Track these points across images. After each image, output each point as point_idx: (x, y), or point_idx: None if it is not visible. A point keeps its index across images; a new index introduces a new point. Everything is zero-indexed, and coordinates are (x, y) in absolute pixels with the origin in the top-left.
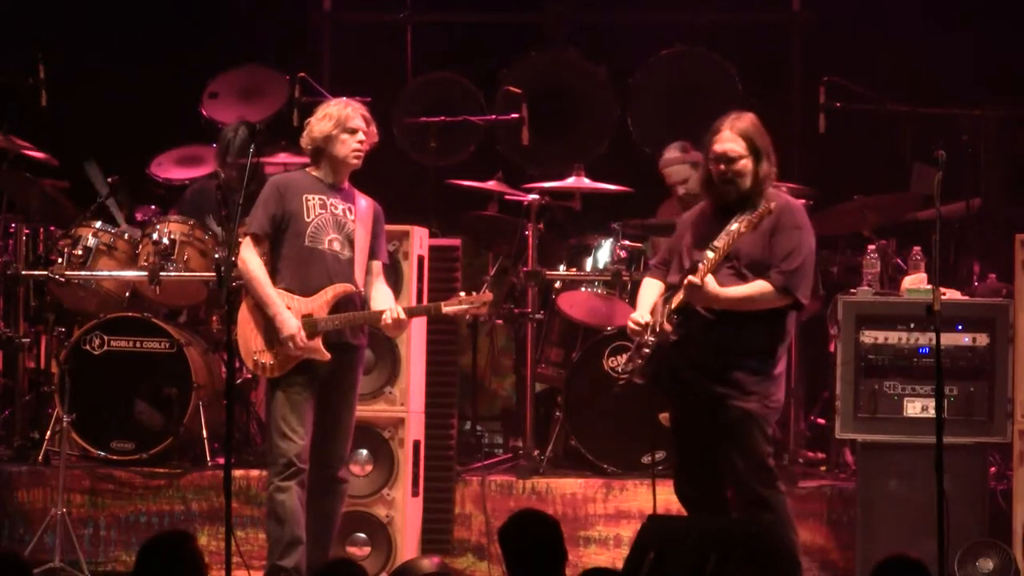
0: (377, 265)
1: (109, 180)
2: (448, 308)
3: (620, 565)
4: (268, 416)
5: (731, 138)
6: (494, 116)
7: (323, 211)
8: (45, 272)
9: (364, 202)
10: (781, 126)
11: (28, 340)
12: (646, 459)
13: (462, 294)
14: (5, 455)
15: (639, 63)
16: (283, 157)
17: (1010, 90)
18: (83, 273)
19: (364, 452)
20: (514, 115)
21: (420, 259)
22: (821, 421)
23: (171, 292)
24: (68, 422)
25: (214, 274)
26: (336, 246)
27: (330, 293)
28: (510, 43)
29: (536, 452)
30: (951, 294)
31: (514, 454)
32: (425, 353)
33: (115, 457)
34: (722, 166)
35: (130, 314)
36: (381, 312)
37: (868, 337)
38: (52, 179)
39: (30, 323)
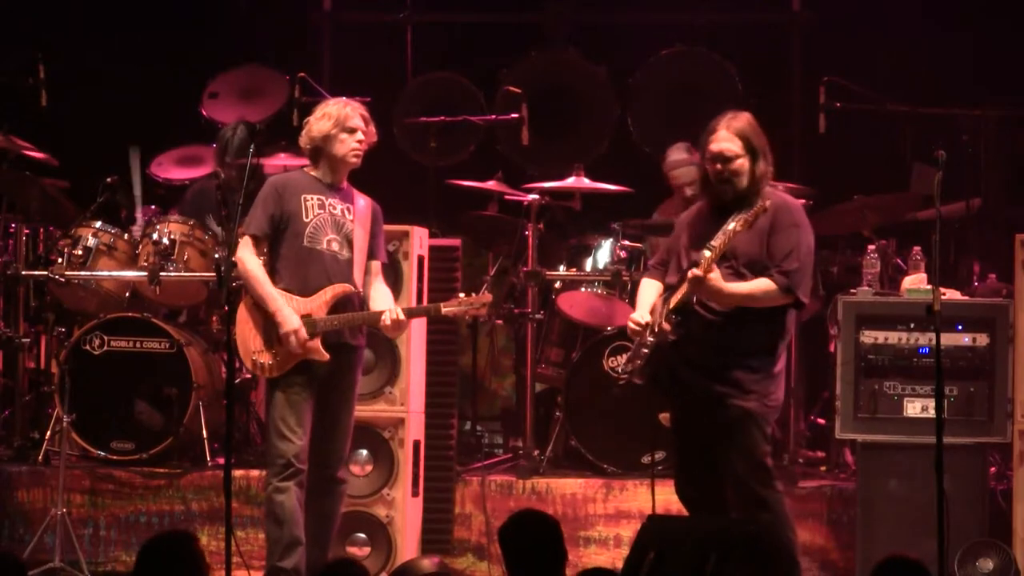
0: (376, 265)
1: (109, 180)
2: (447, 309)
3: (620, 565)
4: (267, 416)
5: (727, 137)
6: (494, 116)
7: (322, 211)
8: (45, 272)
9: (363, 201)
10: (781, 126)
11: (28, 340)
12: (646, 459)
13: (461, 295)
14: (5, 455)
15: (639, 63)
16: (283, 157)
17: (1010, 90)
18: (83, 273)
19: (364, 452)
20: (514, 115)
21: (420, 259)
22: (821, 421)
23: (171, 292)
24: (68, 422)
25: (214, 274)
26: (335, 246)
27: (329, 293)
28: (510, 43)
29: (536, 452)
30: (951, 294)
31: (514, 454)
32: (425, 353)
33: (115, 457)
34: (719, 165)
35: (130, 314)
36: (380, 313)
37: (868, 337)
38: (52, 179)
39: (30, 323)
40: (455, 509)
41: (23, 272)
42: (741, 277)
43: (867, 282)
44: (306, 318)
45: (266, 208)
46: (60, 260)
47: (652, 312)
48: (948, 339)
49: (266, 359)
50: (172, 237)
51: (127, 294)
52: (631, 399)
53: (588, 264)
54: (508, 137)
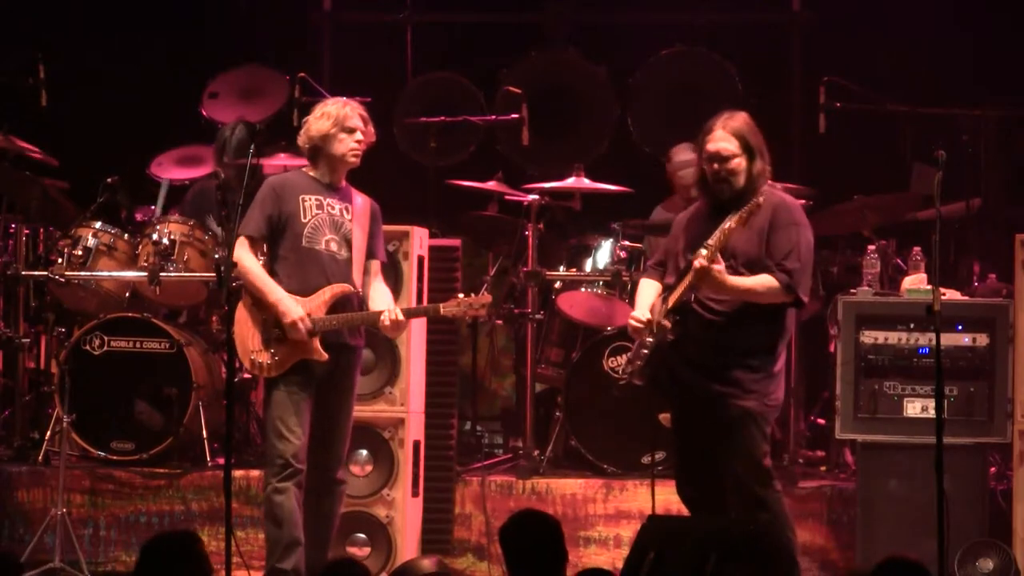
0: (375, 264)
1: (109, 180)
2: (446, 310)
3: (620, 565)
4: (265, 416)
5: (724, 137)
6: (494, 116)
7: (320, 211)
8: (45, 272)
9: (361, 201)
10: (781, 126)
11: (28, 340)
12: (646, 459)
13: (461, 296)
14: (5, 455)
15: (639, 63)
16: (283, 158)
17: (1010, 90)
18: (83, 273)
19: (364, 452)
20: (514, 115)
21: (420, 259)
22: (821, 421)
23: (171, 292)
24: (68, 422)
25: (214, 274)
26: (333, 246)
27: (328, 293)
28: (510, 43)
29: (536, 452)
30: (951, 294)
31: (514, 454)
32: (425, 353)
33: (115, 457)
34: (715, 165)
35: (130, 314)
36: (379, 313)
37: (868, 337)
38: (52, 179)
39: (30, 323)
40: (455, 509)
41: (23, 272)
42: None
43: (867, 282)
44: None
45: (263, 209)
46: (60, 260)
47: (651, 311)
48: (948, 339)
49: (264, 358)
50: (172, 237)
51: (127, 294)
52: (631, 399)
53: (588, 264)
54: (508, 137)
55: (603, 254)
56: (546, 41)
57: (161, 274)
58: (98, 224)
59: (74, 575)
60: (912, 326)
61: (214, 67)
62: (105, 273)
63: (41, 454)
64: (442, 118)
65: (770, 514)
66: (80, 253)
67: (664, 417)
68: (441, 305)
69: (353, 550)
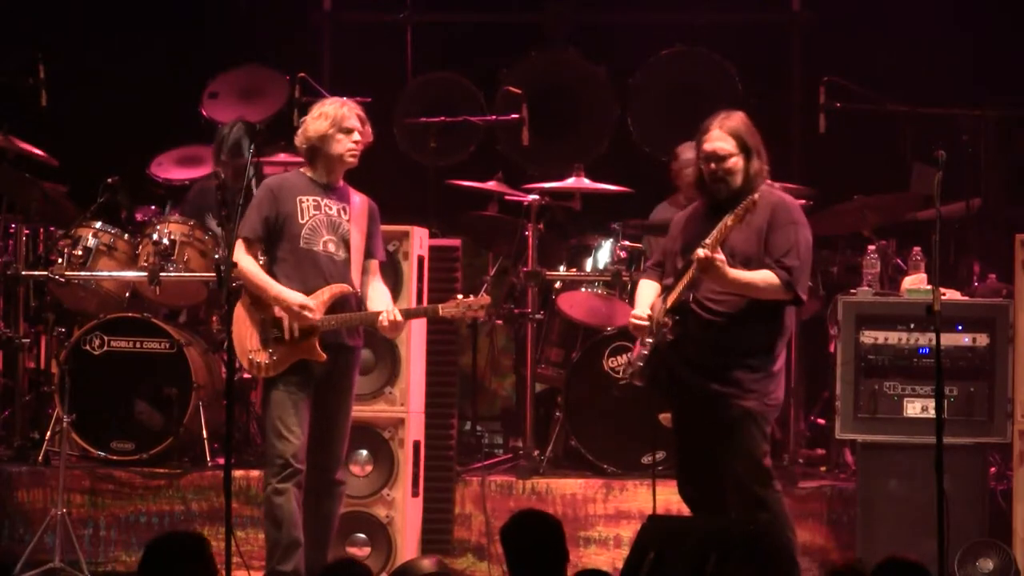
0: (374, 264)
1: (109, 180)
2: (445, 311)
3: (620, 565)
4: (263, 416)
5: (720, 136)
6: (494, 116)
7: (317, 212)
8: (45, 272)
9: (359, 200)
10: (781, 126)
11: (28, 340)
12: (646, 459)
13: (460, 296)
14: (5, 455)
15: (639, 63)
16: (282, 158)
17: (1010, 90)
18: (83, 273)
19: (364, 452)
20: (514, 115)
21: (420, 259)
22: (821, 421)
23: (171, 292)
24: (68, 422)
25: (214, 274)
26: (331, 247)
27: (327, 294)
28: (510, 43)
29: (536, 452)
30: (951, 294)
31: (514, 454)
32: (425, 353)
33: (115, 457)
34: (712, 164)
35: (130, 314)
36: (378, 313)
37: (868, 337)
38: (52, 183)
39: (30, 323)
40: (455, 509)
41: (23, 272)
42: None
43: (867, 282)
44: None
45: (260, 211)
46: (60, 260)
47: (652, 311)
48: (948, 339)
49: (263, 358)
50: (172, 237)
51: (127, 294)
52: (631, 399)
53: (588, 264)
54: (508, 137)
55: (603, 254)
56: (546, 41)
57: (161, 274)
58: (98, 224)
59: (74, 575)
60: (912, 326)
61: (214, 67)
62: (105, 273)
63: (41, 454)
64: (442, 118)
65: (770, 514)
66: (80, 253)
67: (664, 417)
68: (440, 306)
69: (353, 550)
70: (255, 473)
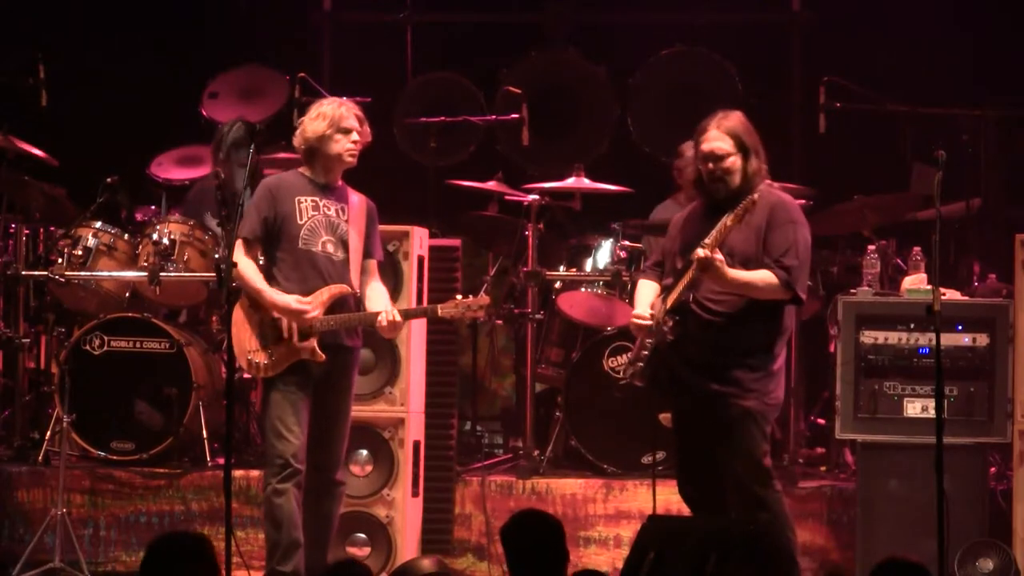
0: (372, 264)
1: (109, 180)
2: (444, 311)
3: (620, 565)
4: (263, 417)
5: (718, 136)
6: (494, 116)
7: (316, 213)
8: (45, 272)
9: (357, 200)
10: (781, 126)
11: (28, 340)
12: (646, 459)
13: (459, 297)
14: (5, 455)
15: (639, 63)
16: (282, 157)
17: (1010, 90)
18: (83, 273)
19: (364, 452)
20: (514, 115)
21: (420, 259)
22: (821, 421)
23: (171, 292)
24: (68, 422)
25: (214, 274)
26: (329, 248)
27: (325, 294)
28: (510, 43)
29: (536, 452)
30: (951, 294)
31: (514, 454)
32: (425, 353)
33: (115, 457)
34: (710, 164)
35: (130, 314)
36: (377, 313)
37: (868, 337)
38: (52, 183)
39: (30, 323)
40: (455, 509)
41: (23, 272)
42: None
43: (867, 282)
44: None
45: (259, 211)
46: (60, 260)
47: (652, 310)
48: (948, 339)
49: (261, 359)
50: (172, 237)
51: (127, 294)
52: (631, 399)
53: (588, 264)
54: (508, 137)
55: (603, 254)
56: (546, 41)
57: (161, 274)
58: (98, 224)
59: (74, 575)
60: (912, 326)
61: (214, 67)
62: (105, 273)
63: (41, 454)
64: (442, 118)
65: (770, 514)
66: (80, 253)
67: (664, 417)
68: (439, 306)
69: (353, 550)
70: (255, 473)
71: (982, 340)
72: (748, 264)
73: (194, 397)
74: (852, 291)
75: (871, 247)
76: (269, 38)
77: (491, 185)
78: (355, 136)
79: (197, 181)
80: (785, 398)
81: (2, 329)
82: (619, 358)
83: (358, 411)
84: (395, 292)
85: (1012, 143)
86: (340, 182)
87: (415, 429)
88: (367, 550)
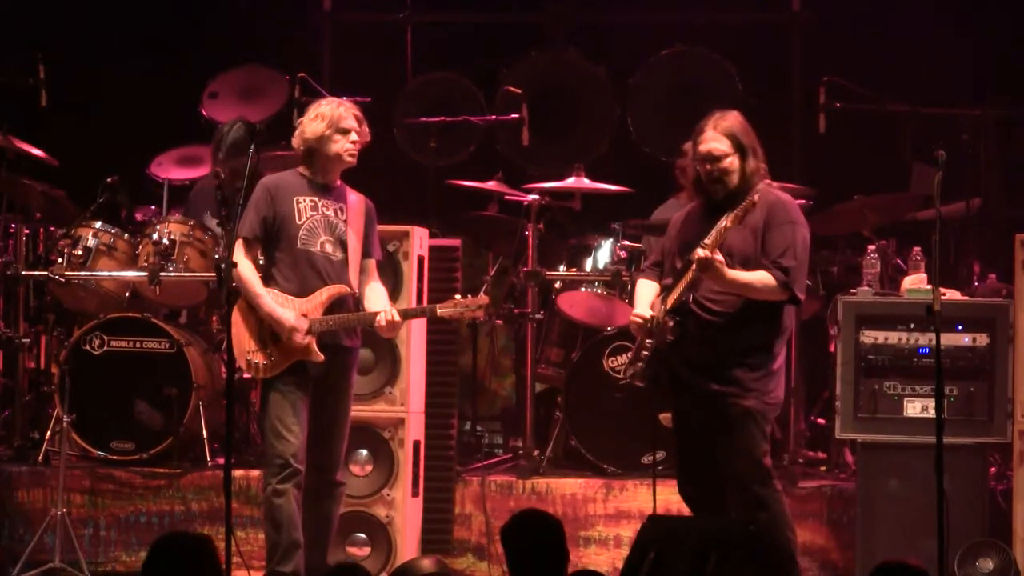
0: (371, 263)
1: (109, 180)
2: (443, 311)
3: (620, 565)
4: (262, 417)
5: (715, 137)
6: (494, 116)
7: (314, 213)
8: (45, 272)
9: (355, 199)
10: (781, 126)
11: (28, 340)
12: (646, 459)
13: (457, 297)
14: (5, 455)
15: (639, 63)
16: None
17: (1010, 90)
18: (83, 273)
19: (364, 452)
20: (514, 115)
21: (420, 259)
22: (821, 421)
23: (171, 292)
24: (68, 422)
25: (214, 274)
26: (328, 248)
27: (324, 294)
28: (510, 43)
29: (536, 452)
30: (951, 294)
31: (514, 454)
32: (425, 353)
33: (115, 457)
34: (708, 165)
35: (130, 314)
36: (375, 313)
37: (868, 337)
38: (52, 183)
39: (30, 323)
40: (455, 509)
41: (23, 272)
42: None
43: (867, 282)
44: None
45: (258, 211)
46: (60, 260)
47: (652, 310)
48: (948, 339)
49: (260, 359)
50: (172, 237)
51: (127, 294)
52: (631, 399)
53: (588, 264)
54: (508, 137)
55: (603, 254)
56: (546, 41)
57: (161, 274)
58: (98, 224)
59: (74, 575)
60: (912, 326)
61: (214, 67)
62: (105, 273)
63: (41, 454)
64: (442, 118)
65: (770, 513)
66: (80, 253)
67: (664, 417)
68: (438, 306)
69: (353, 550)
70: (255, 473)
71: (982, 340)
72: (747, 264)
73: (194, 397)
74: (852, 291)
75: (871, 247)
76: (269, 38)
77: (491, 185)
78: (354, 136)
79: (197, 181)
80: (785, 398)
81: (2, 329)
82: (619, 358)
83: (358, 411)
84: (395, 292)
85: (1012, 143)
86: (339, 182)
87: (415, 429)
88: (367, 550)
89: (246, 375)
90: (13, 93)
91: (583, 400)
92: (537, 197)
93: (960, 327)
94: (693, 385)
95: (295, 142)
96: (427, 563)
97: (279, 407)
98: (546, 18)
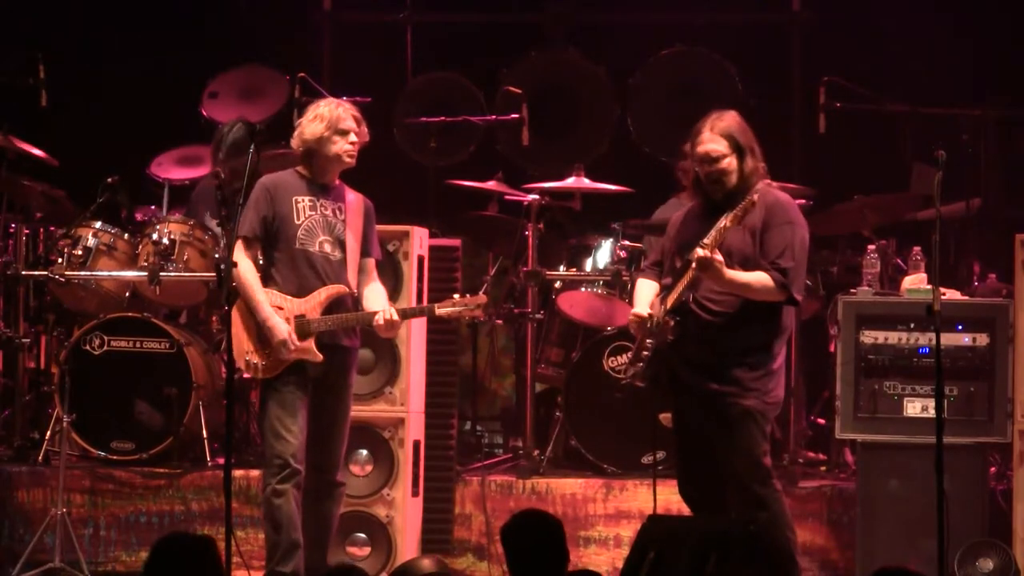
0: (370, 263)
1: (109, 180)
2: (441, 310)
3: (620, 565)
4: (261, 417)
5: (712, 138)
6: (494, 116)
7: (313, 212)
8: (45, 272)
9: (353, 199)
10: (781, 126)
11: (28, 340)
12: (646, 459)
13: (456, 296)
14: (5, 455)
15: (639, 63)
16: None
17: (1010, 90)
18: (83, 273)
19: (364, 452)
20: (514, 115)
21: (420, 259)
22: (821, 421)
23: (171, 292)
24: (68, 422)
25: (214, 274)
26: (327, 248)
27: (323, 294)
28: (510, 43)
29: (536, 452)
30: (951, 294)
31: (514, 454)
32: (425, 353)
33: (115, 457)
34: (706, 167)
35: (130, 314)
36: (374, 313)
37: (868, 337)
38: (52, 183)
39: (30, 323)
40: (455, 509)
41: (23, 272)
42: None
43: (867, 282)
44: (300, 319)
45: (258, 210)
46: (60, 260)
47: (652, 309)
48: (948, 339)
49: (259, 359)
50: (172, 237)
51: (127, 294)
52: (631, 399)
53: (588, 264)
54: (508, 137)
55: (603, 254)
56: (546, 41)
57: (161, 274)
58: (98, 224)
59: (74, 575)
60: (912, 326)
61: (214, 67)
62: (105, 273)
63: (41, 454)
64: (442, 118)
65: (770, 513)
66: (80, 253)
67: (665, 417)
68: (436, 305)
69: (353, 550)
70: (255, 473)
71: (982, 340)
72: (746, 264)
73: (194, 397)
74: (852, 291)
75: (871, 247)
76: (269, 38)
77: (491, 185)
78: (353, 137)
79: (198, 181)
80: (785, 398)
81: (2, 329)
82: (619, 358)
83: (358, 411)
84: (395, 292)
85: (1012, 143)
86: (337, 181)
87: (415, 429)
88: (367, 550)
89: (246, 375)
90: (13, 93)
91: (583, 400)
92: (537, 197)
93: (960, 327)
94: (693, 385)
95: (294, 143)
96: (427, 563)
97: (278, 407)
98: (546, 18)
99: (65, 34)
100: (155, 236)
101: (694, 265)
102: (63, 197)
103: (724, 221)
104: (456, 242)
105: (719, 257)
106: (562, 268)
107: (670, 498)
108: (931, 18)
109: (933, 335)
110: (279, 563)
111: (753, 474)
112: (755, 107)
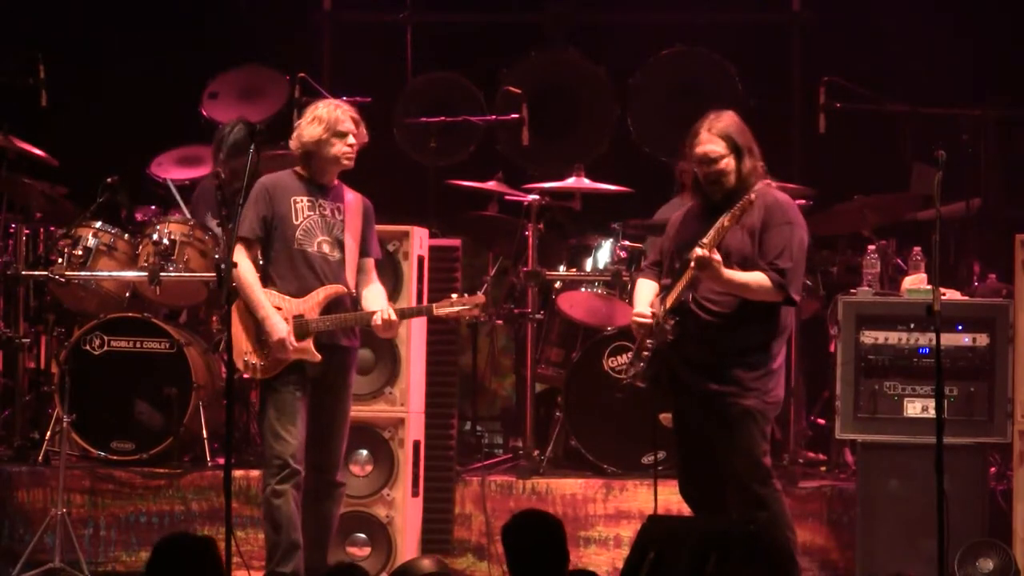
0: (369, 263)
1: (109, 180)
2: (440, 310)
3: (620, 565)
4: (261, 418)
5: (710, 139)
6: (494, 116)
7: (312, 213)
8: (45, 272)
9: (352, 198)
10: (781, 126)
11: (28, 340)
12: (646, 459)
13: (454, 296)
14: (5, 455)
15: (639, 63)
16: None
17: (1010, 90)
18: (83, 273)
19: (364, 452)
20: (514, 115)
21: (420, 259)
22: (821, 421)
23: (171, 292)
24: (68, 422)
25: (214, 274)
26: (325, 248)
27: (322, 294)
28: (510, 43)
29: (536, 452)
30: (951, 294)
31: (514, 454)
32: (425, 353)
33: (115, 457)
34: (704, 167)
35: (130, 314)
36: (373, 313)
37: (868, 337)
38: (52, 183)
39: (30, 323)
40: (455, 509)
41: (23, 272)
42: None
43: (867, 282)
44: (298, 319)
45: (257, 210)
46: (60, 260)
47: (652, 309)
48: (948, 339)
49: (258, 360)
50: (172, 237)
51: (127, 294)
52: (631, 399)
53: (588, 264)
54: (508, 137)
55: (603, 254)
56: (546, 41)
57: (161, 274)
58: (98, 224)
59: (74, 575)
60: (912, 326)
61: (214, 67)
62: (105, 273)
63: (41, 454)
64: (442, 118)
65: (769, 513)
66: (80, 253)
67: (665, 417)
68: (435, 305)
69: (353, 550)
70: (255, 473)
71: (982, 340)
72: (745, 264)
73: (194, 397)
74: (852, 291)
75: (871, 247)
76: (269, 38)
77: (491, 185)
78: (351, 139)
79: (199, 181)
80: (785, 398)
81: (2, 329)
82: (619, 358)
83: (358, 411)
84: (395, 292)
85: (1012, 143)
86: (336, 181)
87: (415, 429)
88: (367, 550)
89: (246, 375)
90: (13, 93)
91: (583, 400)
92: (537, 197)
93: (960, 327)
94: (693, 385)
95: (293, 144)
96: (427, 563)
97: (277, 408)
98: (546, 18)
99: (65, 34)
100: (155, 236)
101: (693, 265)
102: (63, 197)
103: (723, 221)
104: (456, 242)
105: (717, 257)
106: (562, 268)
107: (670, 498)
108: (931, 18)
109: (933, 335)
110: (279, 563)
111: (753, 474)
112: (755, 107)
